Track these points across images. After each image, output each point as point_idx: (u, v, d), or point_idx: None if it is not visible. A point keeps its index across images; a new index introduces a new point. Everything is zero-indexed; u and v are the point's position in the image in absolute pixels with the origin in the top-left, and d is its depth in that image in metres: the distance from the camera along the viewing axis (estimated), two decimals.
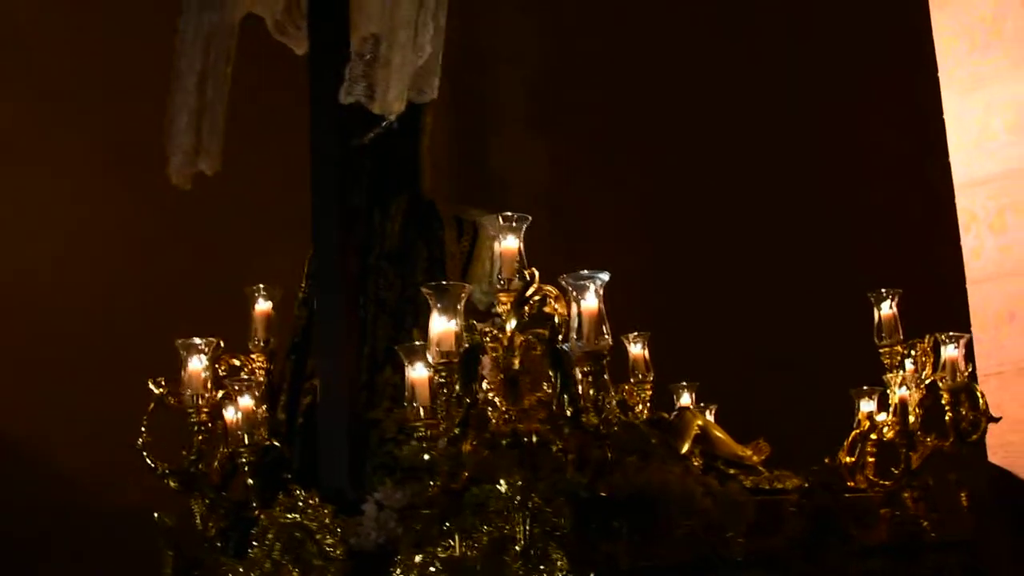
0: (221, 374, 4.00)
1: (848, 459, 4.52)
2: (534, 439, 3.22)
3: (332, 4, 3.80)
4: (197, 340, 3.89)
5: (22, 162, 5.30)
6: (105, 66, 5.40)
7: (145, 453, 3.88)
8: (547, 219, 5.65)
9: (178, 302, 5.01)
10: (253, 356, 4.02)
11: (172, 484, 3.90)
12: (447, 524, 3.33)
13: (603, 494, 3.34)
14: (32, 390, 5.09)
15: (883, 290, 4.62)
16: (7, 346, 5.10)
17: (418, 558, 3.30)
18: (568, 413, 3.19)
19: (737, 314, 7.44)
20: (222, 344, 3.99)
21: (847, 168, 8.52)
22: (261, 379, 3.97)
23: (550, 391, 3.41)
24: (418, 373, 3.40)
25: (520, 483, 3.17)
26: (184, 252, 5.24)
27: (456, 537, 3.31)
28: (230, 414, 3.95)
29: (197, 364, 3.89)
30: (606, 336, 3.29)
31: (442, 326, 3.28)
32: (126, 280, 5.26)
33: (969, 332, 10.38)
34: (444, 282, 3.40)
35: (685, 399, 4.95)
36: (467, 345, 3.26)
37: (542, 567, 3.16)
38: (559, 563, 3.16)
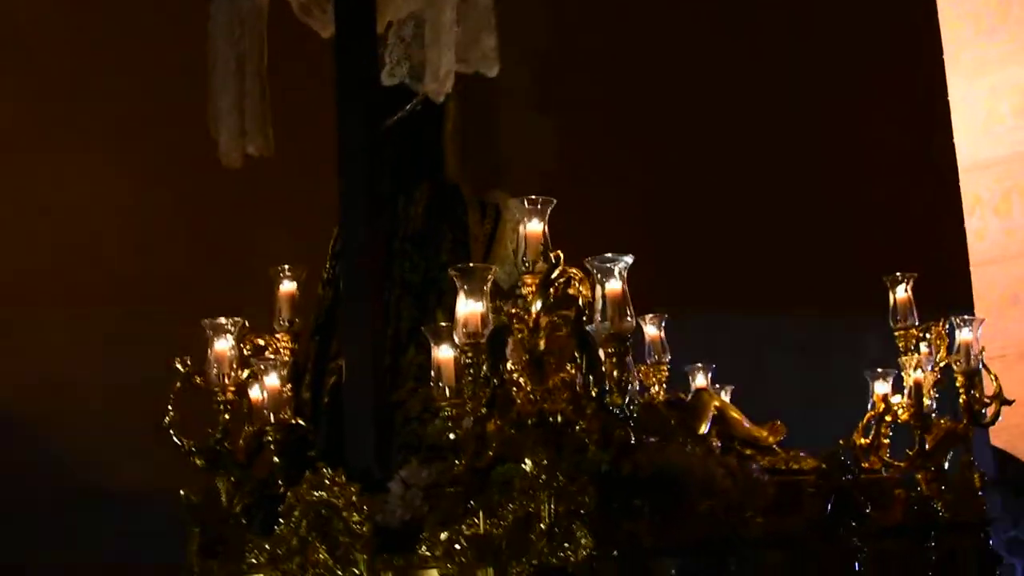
0: (246, 354, 4.06)
1: (863, 440, 4.57)
2: (559, 419, 3.27)
3: None
4: (223, 320, 3.95)
5: (56, 149, 5.39)
6: (119, 56, 5.47)
7: (172, 431, 3.93)
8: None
9: (203, 283, 5.08)
10: (278, 336, 4.06)
11: (198, 462, 3.95)
12: (472, 502, 3.39)
13: (625, 474, 3.39)
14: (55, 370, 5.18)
15: (898, 274, 4.66)
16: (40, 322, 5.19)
17: (444, 535, 3.36)
18: (593, 394, 3.24)
19: (744, 295, 7.50)
20: (247, 324, 4.04)
21: (853, 151, 8.57)
22: (286, 359, 4.02)
23: (573, 372, 3.47)
24: (444, 354, 3.44)
25: (545, 462, 3.22)
26: (207, 233, 5.31)
27: (481, 515, 3.37)
28: (255, 393, 4.01)
29: (223, 344, 3.94)
30: (629, 318, 3.35)
31: (468, 307, 3.34)
32: (150, 263, 5.35)
33: (973, 313, 10.44)
34: (470, 264, 3.44)
35: (700, 380, 5.00)
36: (494, 327, 3.31)
37: (566, 545, 3.22)
38: (583, 541, 3.21)
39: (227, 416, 3.93)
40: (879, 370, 4.67)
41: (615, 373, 3.33)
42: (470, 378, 3.33)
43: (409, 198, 4.09)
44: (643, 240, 6.87)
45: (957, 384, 4.53)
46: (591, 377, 3.26)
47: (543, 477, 3.22)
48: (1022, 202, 14.50)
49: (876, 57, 9.18)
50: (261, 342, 4.09)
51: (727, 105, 7.73)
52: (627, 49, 7.35)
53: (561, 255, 3.40)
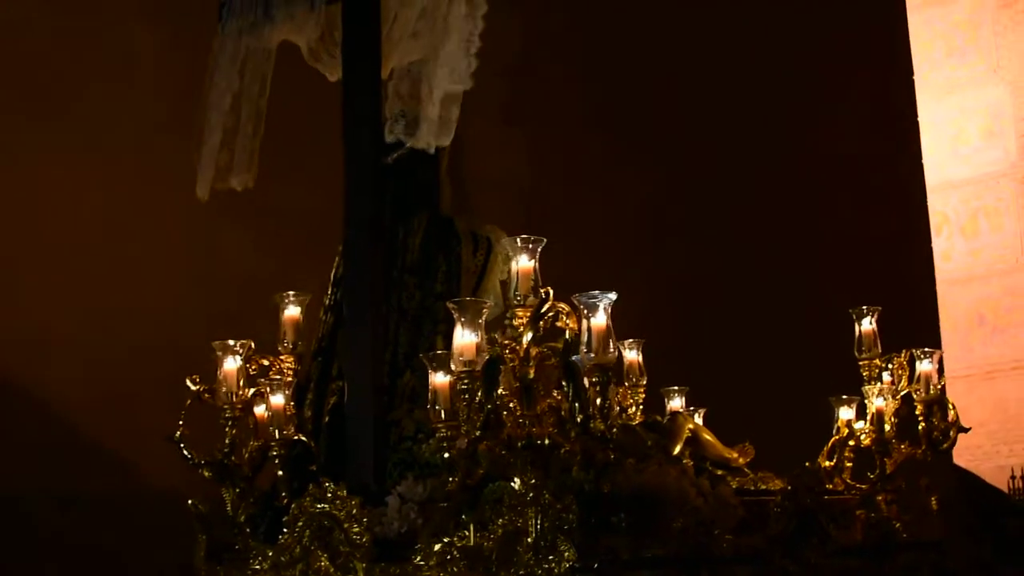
0: (251, 373, 4.33)
1: (827, 463, 4.87)
2: (547, 442, 3.56)
3: (366, 37, 4.11)
4: (231, 342, 4.22)
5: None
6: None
7: (182, 444, 4.20)
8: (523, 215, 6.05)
9: (209, 306, 5.37)
10: (282, 357, 4.33)
11: (206, 474, 4.22)
12: (463, 516, 3.67)
13: (605, 492, 3.68)
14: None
15: (864, 307, 4.95)
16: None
17: (438, 546, 3.63)
18: (579, 419, 3.53)
19: (716, 321, 7.74)
20: (252, 346, 4.31)
21: (821, 169, 8.77)
22: (289, 379, 4.29)
23: (559, 398, 3.76)
24: (440, 379, 3.72)
25: (533, 481, 3.51)
26: (211, 257, 5.62)
27: (471, 528, 3.64)
28: (260, 410, 4.28)
29: (232, 364, 4.21)
30: (612, 350, 3.63)
31: (465, 338, 3.61)
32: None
33: (939, 333, 10.62)
34: (467, 298, 3.72)
35: (676, 403, 5.29)
36: (488, 356, 3.59)
37: (551, 557, 3.50)
38: (566, 554, 3.49)
39: (234, 431, 4.19)
40: (843, 396, 4.98)
41: (598, 401, 3.62)
42: (465, 403, 3.60)
43: (407, 230, 4.37)
44: (606, 257, 7.15)
45: (916, 412, 4.84)
46: (576, 404, 3.54)
47: (531, 495, 3.50)
48: (989, 223, 14.70)
49: (846, 75, 9.39)
50: (265, 362, 4.36)
51: (697, 122, 7.97)
52: (601, 57, 7.58)
53: (551, 291, 3.69)
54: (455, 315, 3.63)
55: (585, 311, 3.64)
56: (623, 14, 7.67)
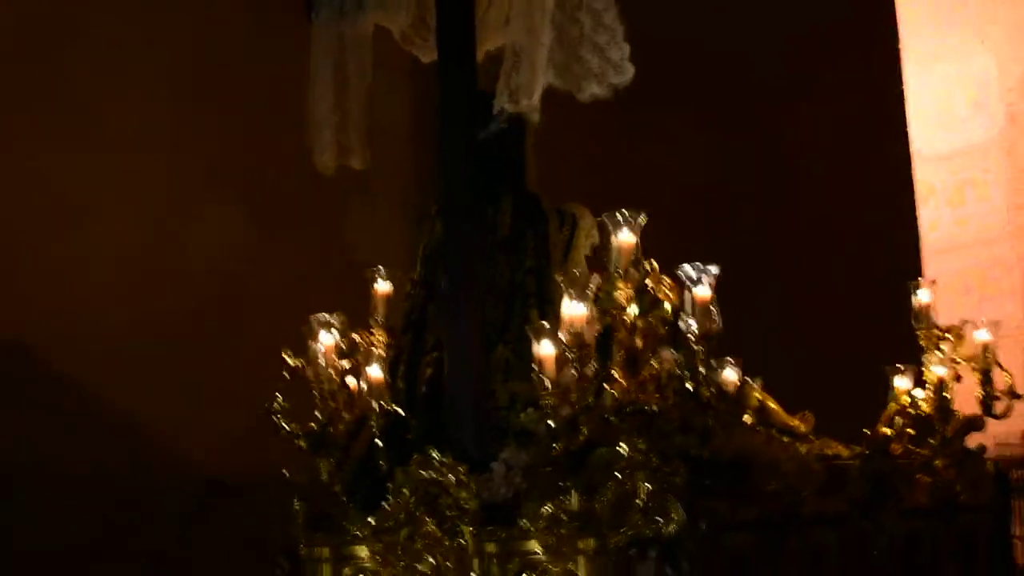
0: (343, 348, 4.45)
1: (887, 430, 5.04)
2: (654, 408, 3.71)
3: (462, 22, 4.23)
4: (328, 316, 4.35)
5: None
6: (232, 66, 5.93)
7: (279, 417, 4.33)
8: None
9: (302, 281, 5.53)
10: (374, 331, 4.46)
11: (302, 444, 4.35)
12: (568, 481, 3.82)
13: (706, 457, 3.84)
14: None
15: (920, 279, 5.13)
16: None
17: (546, 510, 3.78)
18: (690, 388, 3.68)
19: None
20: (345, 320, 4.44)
21: (806, 140, 8.88)
22: (383, 352, 4.42)
23: (656, 367, 3.92)
24: (546, 350, 3.86)
25: (642, 446, 3.66)
26: (300, 237, 5.80)
27: (573, 492, 3.80)
28: (352, 382, 4.41)
29: (328, 338, 4.34)
30: (716, 320, 3.79)
31: (574, 309, 3.76)
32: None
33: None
34: (576, 270, 3.87)
35: (730, 372, 5.45)
36: (603, 327, 3.74)
37: (659, 519, 3.66)
38: (675, 515, 3.66)
39: (332, 403, 4.32)
40: (899, 366, 5.15)
41: (702, 369, 3.78)
42: (574, 372, 3.75)
43: (496, 207, 4.51)
44: None
45: (975, 381, 5.02)
46: (687, 372, 3.70)
47: (640, 459, 3.66)
48: (975, 193, 14.81)
49: (831, 45, 9.49)
50: (357, 337, 4.48)
51: (684, 92, 8.06)
52: None
53: (655, 264, 3.84)
54: (564, 287, 3.77)
55: (689, 283, 3.79)
56: None
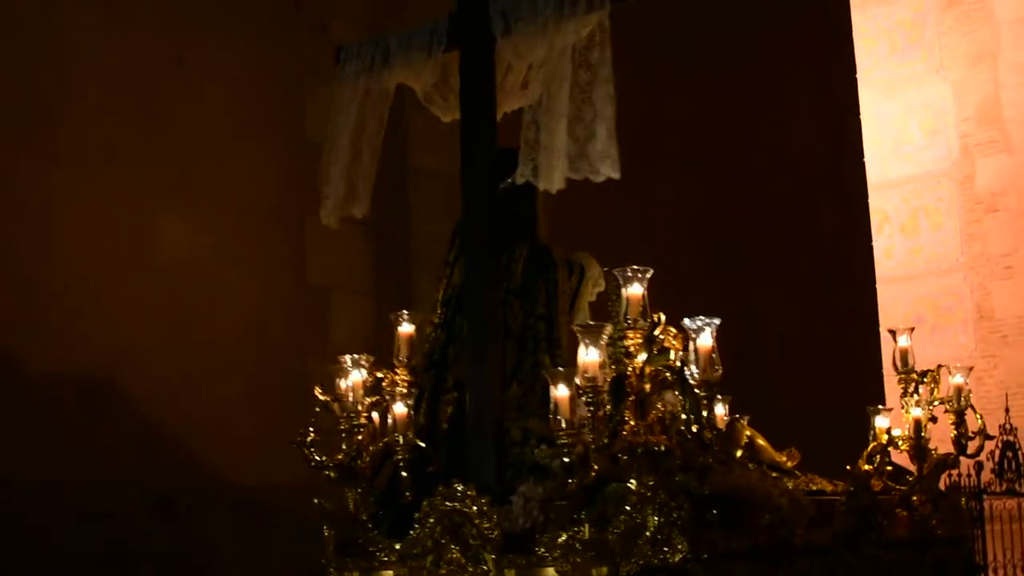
0: (367, 385, 4.81)
1: (867, 467, 5.43)
2: (663, 448, 4.08)
3: (483, 85, 4.61)
4: (358, 356, 4.70)
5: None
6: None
7: (312, 449, 4.67)
8: None
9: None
10: (397, 371, 4.81)
11: (331, 475, 4.69)
12: (580, 514, 4.18)
13: (705, 493, 4.20)
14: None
15: (900, 326, 5.51)
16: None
17: (562, 539, 4.14)
18: (695, 429, 4.06)
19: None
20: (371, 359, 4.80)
21: (763, 166, 9.10)
22: (404, 390, 4.78)
23: (662, 409, 4.29)
24: (561, 392, 4.22)
25: (651, 483, 4.03)
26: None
27: (586, 523, 4.16)
28: (378, 417, 4.77)
29: (357, 376, 4.70)
30: (718, 368, 4.16)
31: (589, 356, 4.12)
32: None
33: (878, 331, 10.90)
34: (591, 322, 4.23)
35: (719, 409, 5.82)
36: (616, 374, 4.11)
37: (666, 549, 4.02)
38: (679, 546, 4.02)
39: (359, 437, 4.67)
40: (879, 407, 5.54)
41: (704, 412, 4.15)
42: (588, 414, 4.11)
43: (510, 257, 4.87)
44: None
45: (949, 422, 5.42)
46: (691, 416, 4.07)
47: (649, 495, 4.02)
48: (929, 222, 15.00)
49: (789, 72, 9.71)
50: (380, 375, 4.84)
51: (639, 117, 8.37)
52: None
53: (663, 316, 4.21)
54: (580, 336, 4.14)
55: (693, 334, 4.16)
56: None
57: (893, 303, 14.01)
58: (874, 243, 12.26)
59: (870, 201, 12.03)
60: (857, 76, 11.82)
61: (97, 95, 6.11)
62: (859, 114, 11.57)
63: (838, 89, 11.06)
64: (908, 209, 14.53)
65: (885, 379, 10.60)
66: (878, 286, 11.74)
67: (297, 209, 6.60)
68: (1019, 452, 8.69)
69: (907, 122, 14.62)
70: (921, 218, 14.49)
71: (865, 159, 11.61)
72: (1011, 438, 8.67)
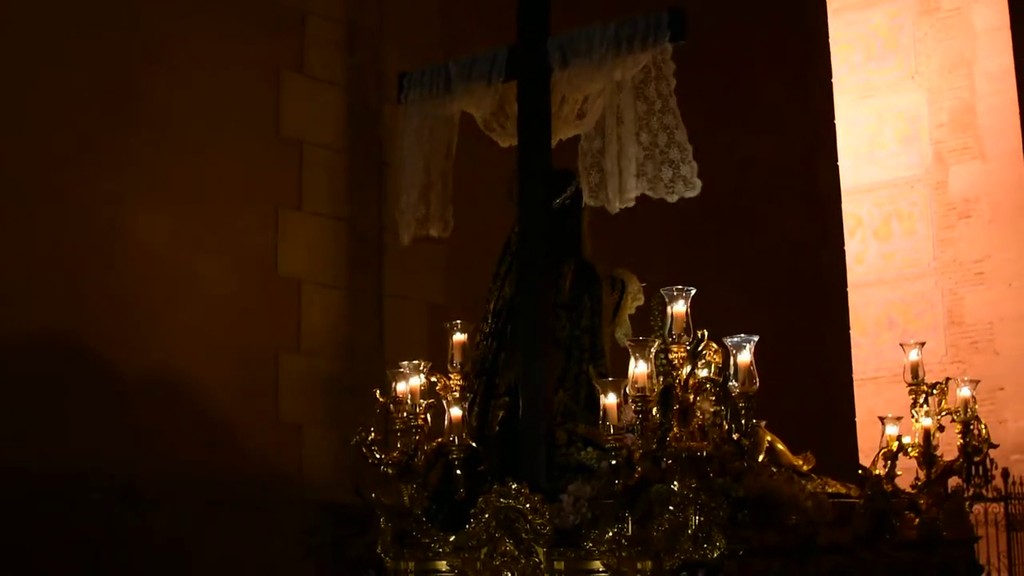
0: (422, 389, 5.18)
1: (879, 472, 5.82)
2: (704, 453, 4.47)
3: (539, 114, 4.99)
4: (416, 361, 5.08)
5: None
6: None
7: (375, 448, 5.04)
8: None
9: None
10: (451, 376, 5.18)
11: (389, 471, 5.06)
12: (625, 512, 4.56)
13: (741, 495, 4.60)
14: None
15: (912, 341, 5.91)
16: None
17: (609, 535, 4.52)
18: (736, 437, 4.45)
19: None
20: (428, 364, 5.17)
21: (737, 170, 9.27)
22: (456, 395, 5.15)
23: (703, 417, 4.69)
24: (610, 400, 4.61)
25: (694, 484, 4.42)
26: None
27: (630, 521, 4.54)
28: (430, 419, 5.14)
29: (416, 380, 5.07)
30: (756, 381, 4.55)
31: (639, 369, 4.51)
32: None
33: (848, 335, 11.02)
34: (642, 337, 4.61)
35: None
36: (664, 385, 4.50)
37: (706, 545, 4.40)
38: (718, 543, 4.41)
39: (417, 437, 5.04)
40: (889, 415, 5.94)
41: (742, 421, 4.55)
42: (637, 422, 4.50)
43: (558, 272, 5.25)
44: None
45: (956, 431, 5.82)
46: (733, 425, 4.46)
47: (691, 496, 4.41)
48: (901, 227, 15.29)
49: (764, 75, 9.86)
50: (434, 379, 5.21)
51: None
52: None
53: (706, 332, 4.61)
54: (631, 350, 4.53)
55: (733, 349, 4.55)
56: None
57: (865, 307, 14.26)
58: (847, 247, 12.43)
59: (843, 206, 12.21)
60: (832, 81, 12.01)
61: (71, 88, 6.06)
62: (834, 119, 11.73)
63: (814, 94, 11.23)
64: (881, 214, 14.77)
65: (856, 385, 10.85)
66: (849, 290, 11.93)
67: (270, 202, 6.69)
68: (987, 458, 9.05)
69: (881, 128, 14.86)
70: (894, 223, 14.76)
71: (839, 164, 11.82)
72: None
